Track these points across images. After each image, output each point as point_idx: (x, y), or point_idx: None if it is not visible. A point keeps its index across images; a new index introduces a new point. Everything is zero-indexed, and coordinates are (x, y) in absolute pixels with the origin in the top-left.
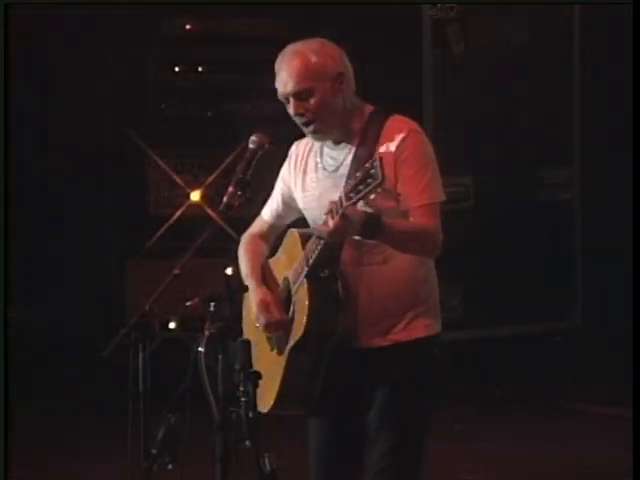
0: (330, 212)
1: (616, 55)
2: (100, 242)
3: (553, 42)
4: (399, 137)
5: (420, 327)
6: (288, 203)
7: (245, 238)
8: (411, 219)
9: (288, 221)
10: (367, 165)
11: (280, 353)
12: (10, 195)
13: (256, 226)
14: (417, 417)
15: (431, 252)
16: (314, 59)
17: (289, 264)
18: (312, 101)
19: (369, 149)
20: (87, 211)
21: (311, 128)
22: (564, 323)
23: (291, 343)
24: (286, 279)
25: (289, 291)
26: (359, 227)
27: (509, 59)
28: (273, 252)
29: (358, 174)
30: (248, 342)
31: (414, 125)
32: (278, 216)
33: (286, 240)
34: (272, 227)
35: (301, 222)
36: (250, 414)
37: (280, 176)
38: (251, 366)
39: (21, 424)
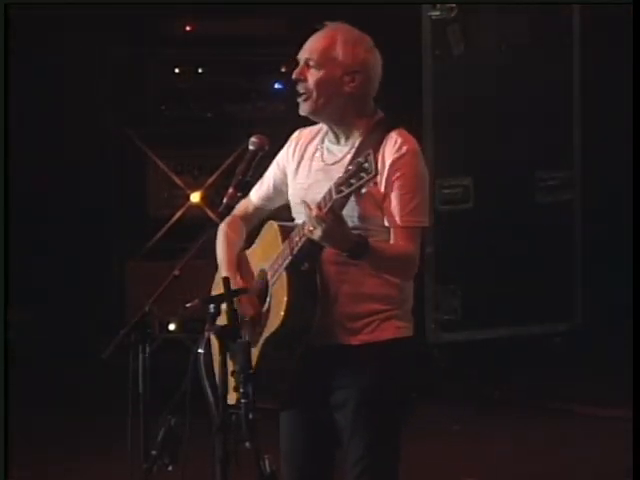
0: (319, 203)
1: (616, 55)
2: (100, 243)
3: (553, 42)
4: (397, 154)
5: (391, 328)
6: (278, 188)
7: (226, 220)
8: (392, 237)
9: (275, 206)
10: (360, 159)
11: (253, 345)
12: (10, 195)
13: (241, 206)
14: (389, 417)
15: (406, 276)
16: (339, 46)
17: (266, 256)
18: (315, 74)
19: None
20: (87, 212)
21: (301, 98)
22: (564, 324)
23: (265, 335)
24: (263, 271)
25: (266, 283)
26: (348, 247)
27: (509, 59)
28: (249, 243)
29: (351, 167)
30: (248, 343)
31: (413, 144)
32: (267, 199)
33: (264, 232)
34: (257, 209)
35: (285, 211)
36: (250, 415)
37: (276, 160)
38: (251, 368)
39: (21, 424)
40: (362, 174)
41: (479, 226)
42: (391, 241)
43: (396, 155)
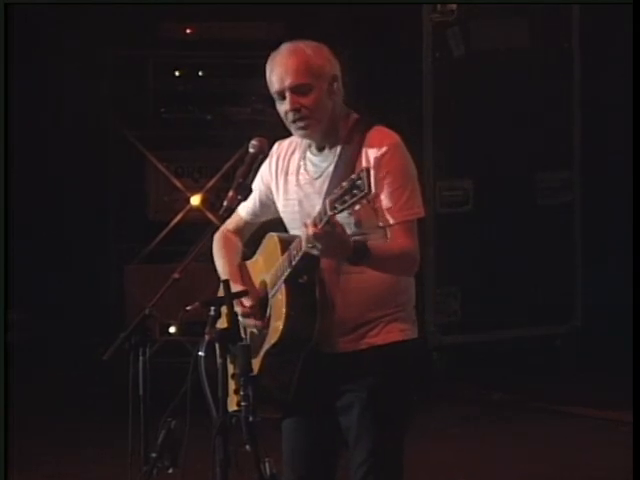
0: (314, 220)
1: (616, 55)
2: (100, 246)
3: (553, 43)
4: (379, 152)
5: (396, 331)
6: (265, 203)
7: (220, 234)
8: (389, 236)
9: (264, 219)
10: (354, 176)
11: (254, 355)
12: (10, 197)
13: (232, 222)
14: (395, 420)
15: (409, 272)
16: (313, 58)
17: (267, 268)
18: (310, 97)
19: (350, 161)
20: (87, 215)
21: (303, 124)
22: (564, 326)
23: (266, 347)
24: (263, 282)
25: (266, 294)
26: (348, 256)
27: (509, 61)
28: (250, 255)
29: (344, 184)
30: (248, 346)
31: (395, 139)
32: (254, 214)
33: (265, 244)
34: (248, 224)
35: (278, 222)
36: (250, 418)
37: (259, 175)
38: (251, 370)
39: (21, 424)
40: (355, 191)
41: (479, 228)
42: (389, 240)
43: (378, 153)
